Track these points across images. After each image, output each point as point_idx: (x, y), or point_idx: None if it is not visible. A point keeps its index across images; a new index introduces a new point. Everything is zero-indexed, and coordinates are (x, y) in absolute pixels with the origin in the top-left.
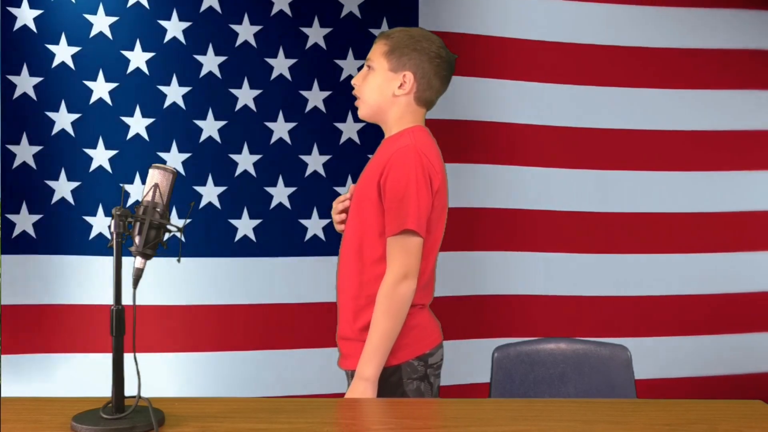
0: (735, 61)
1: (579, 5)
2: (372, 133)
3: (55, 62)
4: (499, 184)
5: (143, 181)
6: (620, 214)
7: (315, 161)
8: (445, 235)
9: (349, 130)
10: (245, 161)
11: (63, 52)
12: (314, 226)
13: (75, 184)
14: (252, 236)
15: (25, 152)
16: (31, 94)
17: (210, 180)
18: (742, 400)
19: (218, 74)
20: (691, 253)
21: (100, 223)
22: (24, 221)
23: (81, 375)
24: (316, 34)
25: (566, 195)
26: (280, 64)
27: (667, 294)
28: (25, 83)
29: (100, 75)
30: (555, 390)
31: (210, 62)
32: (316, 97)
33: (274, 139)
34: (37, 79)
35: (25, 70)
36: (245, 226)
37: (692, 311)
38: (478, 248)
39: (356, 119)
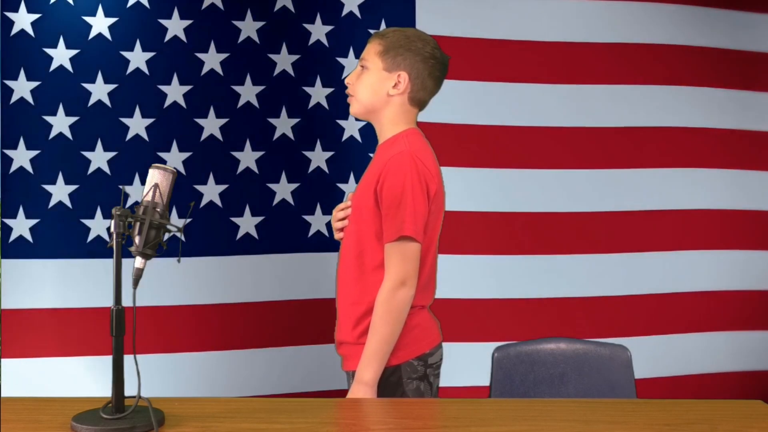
0: (735, 61)
1: (579, 4)
2: (374, 131)
3: (53, 65)
4: (497, 187)
5: (143, 182)
6: (618, 213)
7: (318, 157)
8: (443, 239)
9: (351, 127)
10: (247, 158)
11: (61, 55)
12: (317, 222)
13: (73, 188)
14: (254, 233)
15: (22, 157)
16: (29, 98)
17: (211, 178)
18: (742, 400)
19: (220, 72)
20: (692, 251)
21: (99, 226)
22: (21, 226)
23: (80, 379)
24: (318, 31)
25: (564, 196)
26: (283, 61)
27: (667, 293)
28: (23, 88)
29: (99, 77)
30: (555, 390)
31: (212, 60)
32: (318, 94)
33: (276, 136)
34: (34, 83)
35: (22, 74)
36: (247, 223)
37: (692, 310)
38: (476, 252)
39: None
